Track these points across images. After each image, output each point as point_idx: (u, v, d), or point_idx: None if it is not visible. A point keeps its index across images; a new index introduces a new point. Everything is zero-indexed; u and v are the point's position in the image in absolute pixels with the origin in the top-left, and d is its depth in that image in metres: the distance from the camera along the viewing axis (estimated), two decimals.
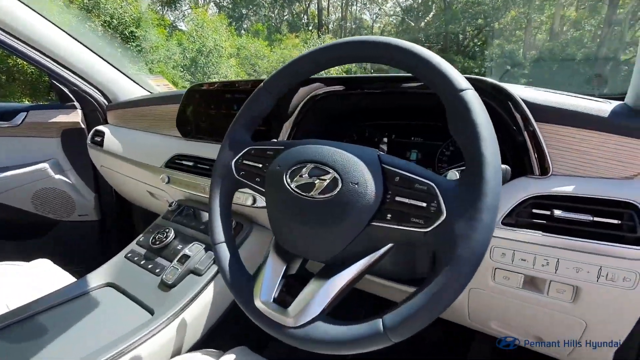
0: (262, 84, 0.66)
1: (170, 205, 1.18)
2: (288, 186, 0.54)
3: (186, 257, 0.92)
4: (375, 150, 0.53)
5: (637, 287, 0.55)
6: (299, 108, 0.92)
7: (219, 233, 0.63)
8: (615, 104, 0.63)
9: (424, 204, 0.44)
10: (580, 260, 0.58)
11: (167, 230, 1.04)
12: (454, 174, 0.55)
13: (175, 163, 1.20)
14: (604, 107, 0.61)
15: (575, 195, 0.60)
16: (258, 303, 0.53)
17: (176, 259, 0.93)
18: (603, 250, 0.56)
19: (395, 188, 0.48)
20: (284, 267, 0.57)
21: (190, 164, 1.13)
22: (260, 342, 1.09)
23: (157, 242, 1.00)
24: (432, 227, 0.43)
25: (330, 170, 0.51)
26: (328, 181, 0.51)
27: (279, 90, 0.65)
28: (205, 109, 1.14)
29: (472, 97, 0.44)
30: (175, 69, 11.74)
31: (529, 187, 0.63)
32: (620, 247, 0.55)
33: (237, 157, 0.66)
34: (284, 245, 0.57)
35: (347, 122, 1.05)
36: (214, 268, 0.90)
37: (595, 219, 0.57)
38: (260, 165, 0.63)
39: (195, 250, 0.94)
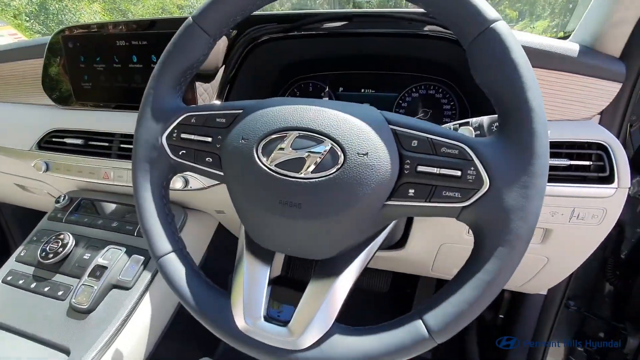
0: (190, 18, 0.45)
1: (57, 202, 0.88)
2: (263, 165, 0.39)
3: (101, 268, 0.69)
4: (374, 107, 0.41)
5: (602, 223, 0.59)
6: (234, 60, 0.71)
7: (162, 241, 0.45)
8: (574, 43, 0.62)
9: (458, 173, 0.35)
10: (556, 204, 0.59)
11: (62, 235, 0.76)
12: (467, 131, 0.46)
13: (53, 143, 0.87)
14: (571, 47, 0.60)
15: (550, 141, 0.59)
16: (244, 325, 0.40)
17: (86, 274, 0.69)
18: (577, 192, 0.57)
19: (415, 155, 0.37)
20: (267, 270, 0.43)
21: (79, 142, 0.82)
22: (214, 343, 0.95)
23: (51, 255, 0.73)
24: (473, 200, 0.35)
25: (325, 139, 0.38)
26: (324, 154, 0.37)
27: (219, 27, 0.46)
28: (86, 64, 0.82)
29: (506, 30, 0.35)
30: (18, 17, 8.95)
31: None
32: (593, 188, 0.57)
33: (169, 130, 0.46)
34: (263, 243, 0.43)
35: (285, 76, 0.88)
36: (146, 276, 0.69)
37: (572, 162, 0.57)
38: (210, 140, 0.45)
39: (112, 257, 0.71)
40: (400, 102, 0.82)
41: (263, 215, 0.40)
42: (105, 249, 0.73)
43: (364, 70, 0.85)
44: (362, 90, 0.86)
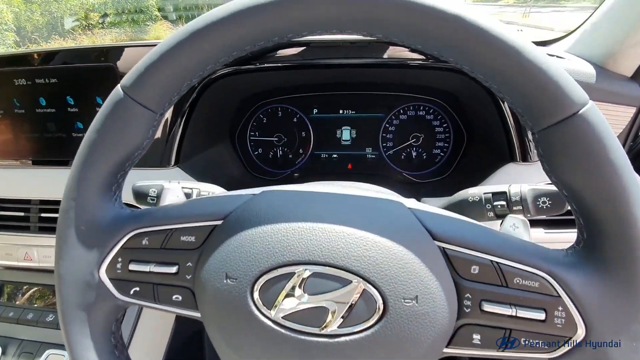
0: (119, 89, 0.29)
1: None
2: (265, 318, 0.27)
3: None
4: (401, 203, 0.30)
5: None
6: (185, 105, 0.55)
7: None
8: (587, 64, 0.55)
9: (541, 315, 0.26)
10: None
11: None
12: (521, 226, 0.35)
13: None
14: (587, 70, 0.52)
15: None
16: None
17: None
18: None
19: (477, 287, 0.27)
20: None
21: None
22: None
23: None
24: (563, 352, 0.26)
25: (353, 277, 0.26)
26: (354, 302, 0.26)
27: (164, 100, 0.31)
28: None
29: (599, 118, 0.25)
30: None
31: (524, 177, 0.53)
32: None
33: (110, 260, 0.32)
34: None
35: (248, 103, 0.73)
36: None
37: None
38: (175, 270, 0.31)
39: None
40: (388, 125, 0.72)
41: None
42: (45, 356, 0.57)
43: (341, 91, 0.72)
44: (341, 112, 0.74)
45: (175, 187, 0.42)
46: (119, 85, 0.30)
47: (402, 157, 0.72)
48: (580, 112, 0.24)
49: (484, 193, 0.40)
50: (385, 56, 0.53)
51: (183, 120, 0.57)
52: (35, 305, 0.64)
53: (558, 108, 0.25)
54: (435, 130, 0.70)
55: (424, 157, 0.71)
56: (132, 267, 0.31)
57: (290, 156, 0.75)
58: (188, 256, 0.31)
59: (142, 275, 0.31)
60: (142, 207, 0.47)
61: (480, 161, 0.63)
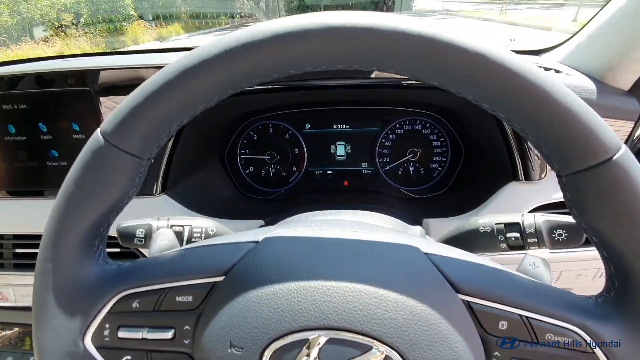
0: (98, 134, 0.26)
1: None
2: None
3: None
4: (419, 251, 0.28)
5: None
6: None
7: None
8: (586, 78, 0.54)
9: None
10: (581, 267, 0.53)
11: None
12: (532, 261, 0.33)
13: None
14: (587, 86, 0.52)
15: None
16: None
17: None
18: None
19: (506, 347, 0.25)
20: None
21: None
22: None
23: None
24: None
25: (373, 343, 0.24)
26: None
27: (151, 145, 0.27)
28: None
29: (634, 164, 0.23)
30: None
31: (528, 197, 0.52)
32: None
33: (96, 326, 0.28)
34: None
35: (238, 121, 0.69)
36: None
37: None
38: (171, 335, 0.28)
39: None
40: (384, 140, 0.69)
41: None
42: None
43: (334, 106, 0.69)
44: (335, 127, 0.71)
45: (164, 230, 0.38)
46: (98, 131, 0.26)
47: (400, 172, 0.70)
48: (614, 158, 0.23)
49: (496, 224, 0.39)
50: (379, 77, 0.51)
51: (170, 145, 0.53)
52: (14, 347, 0.59)
53: (590, 153, 0.23)
54: (432, 145, 0.68)
55: (422, 172, 0.69)
56: (122, 333, 0.28)
57: (283, 174, 0.72)
58: (185, 318, 0.28)
59: (133, 342, 0.28)
60: (129, 247, 0.44)
61: (480, 177, 0.61)
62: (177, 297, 0.28)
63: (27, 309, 0.61)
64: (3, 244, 0.56)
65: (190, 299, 0.28)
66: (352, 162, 0.72)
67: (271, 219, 0.58)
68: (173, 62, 0.25)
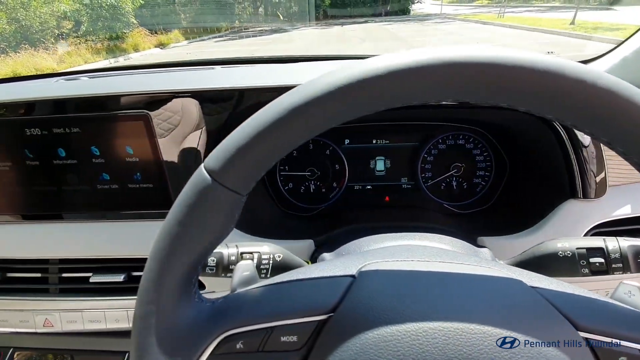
0: (204, 173, 0.25)
1: None
2: None
3: None
4: (529, 288, 0.27)
5: None
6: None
7: None
8: None
9: None
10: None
11: None
12: (628, 289, 0.33)
13: None
14: None
15: (634, 217, 0.51)
16: None
17: None
18: None
19: None
20: None
21: None
22: None
23: None
24: None
25: None
26: None
27: (251, 180, 0.27)
28: None
29: None
30: None
31: (586, 215, 0.51)
32: None
33: None
34: None
35: None
36: None
37: None
38: None
39: None
40: (426, 156, 0.69)
41: None
42: None
43: (374, 121, 0.69)
44: (374, 142, 0.70)
45: (245, 262, 0.37)
46: (202, 168, 0.26)
47: (442, 187, 0.69)
48: None
49: (577, 248, 0.38)
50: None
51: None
52: None
53: None
54: (476, 159, 0.68)
55: (465, 187, 0.69)
56: None
57: (323, 190, 0.71)
58: (291, 359, 0.27)
59: None
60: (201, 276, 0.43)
61: (530, 193, 0.61)
62: (281, 337, 0.27)
63: (71, 334, 0.60)
64: (49, 269, 0.55)
65: (295, 338, 0.27)
66: (391, 177, 0.71)
67: (323, 238, 0.58)
68: (279, 98, 0.25)
